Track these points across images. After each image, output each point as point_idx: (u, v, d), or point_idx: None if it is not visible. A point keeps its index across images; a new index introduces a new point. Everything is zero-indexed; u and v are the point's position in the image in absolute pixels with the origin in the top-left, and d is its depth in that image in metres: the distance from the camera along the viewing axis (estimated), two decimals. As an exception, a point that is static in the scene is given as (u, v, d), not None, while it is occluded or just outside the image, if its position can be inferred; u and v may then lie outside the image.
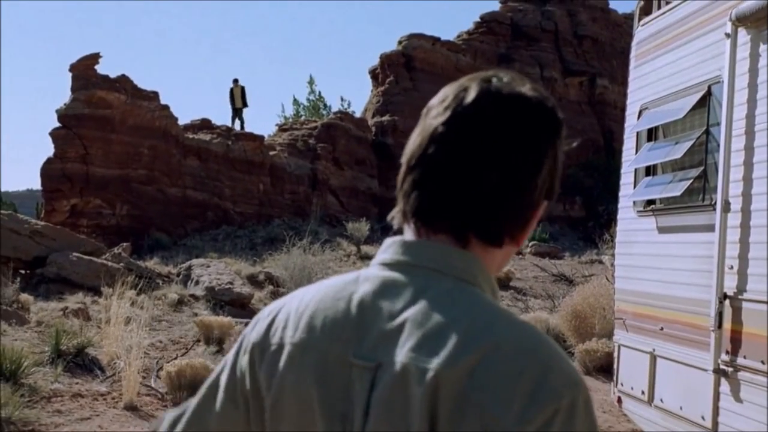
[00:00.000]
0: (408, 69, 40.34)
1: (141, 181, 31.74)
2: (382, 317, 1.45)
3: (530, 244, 29.41)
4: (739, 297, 6.06)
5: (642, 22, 8.34)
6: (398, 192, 1.58)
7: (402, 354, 1.39)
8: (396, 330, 1.42)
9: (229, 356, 1.68)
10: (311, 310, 1.54)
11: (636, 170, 8.11)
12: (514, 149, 1.47)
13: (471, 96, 1.50)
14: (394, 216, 1.59)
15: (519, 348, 1.36)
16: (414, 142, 1.55)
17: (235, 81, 36.72)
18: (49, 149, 31.08)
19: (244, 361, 1.62)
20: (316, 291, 1.58)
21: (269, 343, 1.57)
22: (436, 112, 1.53)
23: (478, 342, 1.35)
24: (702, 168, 6.88)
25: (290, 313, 1.57)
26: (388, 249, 1.56)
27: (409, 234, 1.56)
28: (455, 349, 1.35)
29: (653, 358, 7.40)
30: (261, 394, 1.56)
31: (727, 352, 6.15)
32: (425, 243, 1.52)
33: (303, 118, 45.02)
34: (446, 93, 1.55)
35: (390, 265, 1.52)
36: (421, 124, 1.56)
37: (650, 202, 7.82)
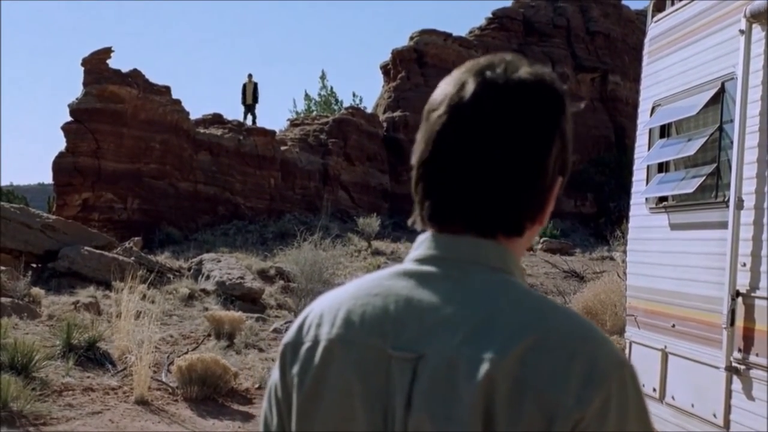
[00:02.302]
0: (419, 65, 40.32)
1: (152, 175, 31.78)
2: (422, 310, 1.45)
3: (541, 240, 29.38)
4: (752, 294, 6.03)
5: (655, 19, 8.31)
6: (414, 196, 1.58)
7: (449, 347, 1.39)
8: (439, 322, 1.43)
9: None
10: (347, 307, 1.54)
11: (648, 167, 8.08)
12: (520, 138, 1.47)
13: (468, 92, 1.50)
14: (415, 221, 1.59)
15: (568, 333, 1.38)
16: (419, 146, 1.55)
17: (249, 76, 36.73)
18: (60, 143, 31.11)
19: (275, 367, 1.63)
20: (350, 288, 1.59)
21: (302, 342, 1.56)
22: (437, 114, 1.52)
23: (528, 330, 1.37)
24: (715, 165, 6.84)
25: (323, 311, 1.57)
26: (421, 245, 1.56)
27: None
28: (506, 339, 1.36)
29: (665, 356, 7.37)
30: (290, 392, 1.56)
31: (740, 350, 6.13)
32: (456, 237, 1.52)
33: (314, 113, 45.01)
34: (444, 91, 1.54)
35: (423, 260, 1.53)
36: (423, 126, 1.56)
37: (662, 198, 7.79)
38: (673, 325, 7.24)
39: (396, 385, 1.42)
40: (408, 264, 1.55)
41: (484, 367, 1.34)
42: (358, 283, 1.59)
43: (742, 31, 6.30)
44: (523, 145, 1.47)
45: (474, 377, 1.34)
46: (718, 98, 6.85)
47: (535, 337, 1.36)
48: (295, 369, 1.55)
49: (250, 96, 36.60)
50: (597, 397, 1.31)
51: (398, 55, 40.72)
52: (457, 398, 1.35)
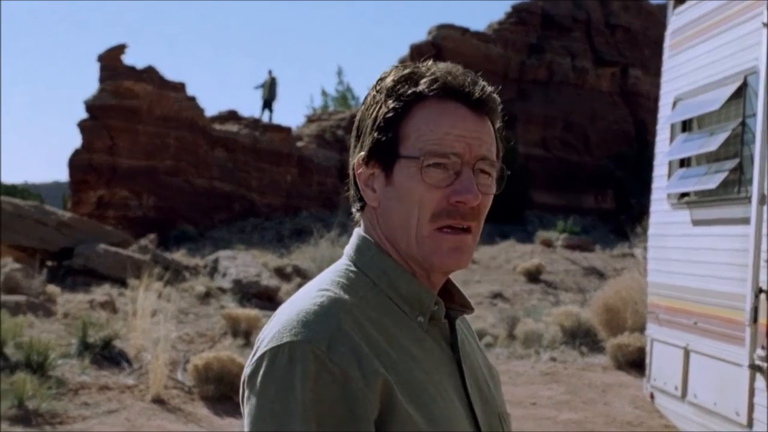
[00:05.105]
0: (438, 59, 40.08)
1: (168, 172, 31.83)
2: None
3: (561, 237, 29.24)
4: (776, 292, 5.95)
5: (676, 12, 8.21)
6: None
7: None
8: None
9: None
10: None
11: (670, 162, 8.00)
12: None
13: None
14: None
15: (278, 313, 1.66)
16: None
17: (269, 72, 37.02)
18: (75, 141, 31.25)
19: None
20: None
21: None
22: None
23: (279, 309, 1.68)
24: (738, 160, 6.76)
25: None
26: None
27: None
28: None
29: (687, 353, 7.30)
30: None
31: (763, 347, 6.05)
32: None
33: (331, 109, 45.05)
34: None
35: None
36: None
37: (684, 194, 7.71)
38: (695, 323, 7.15)
39: None
40: None
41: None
42: None
43: (765, 24, 6.21)
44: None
45: None
46: (741, 92, 6.75)
47: (275, 314, 1.65)
48: None
49: (267, 91, 36.76)
50: (252, 366, 1.56)
51: (416, 50, 40.64)
52: None
